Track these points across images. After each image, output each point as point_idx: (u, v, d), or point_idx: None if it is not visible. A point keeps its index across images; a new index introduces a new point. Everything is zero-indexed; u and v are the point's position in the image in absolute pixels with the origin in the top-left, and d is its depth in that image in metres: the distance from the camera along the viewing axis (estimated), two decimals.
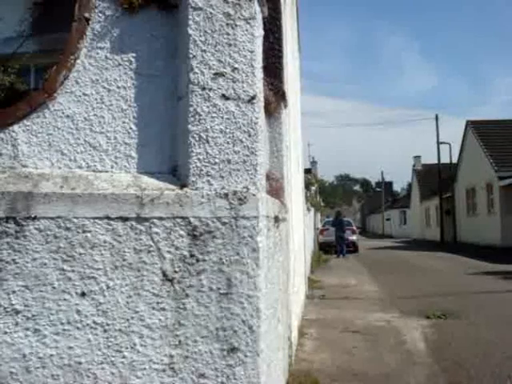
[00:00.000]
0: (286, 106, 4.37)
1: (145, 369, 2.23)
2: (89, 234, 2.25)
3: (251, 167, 2.39)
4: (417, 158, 42.76)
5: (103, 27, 2.54)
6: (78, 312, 2.21)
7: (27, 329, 2.17)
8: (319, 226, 24.30)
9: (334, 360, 4.88)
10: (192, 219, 2.30)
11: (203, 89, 2.40)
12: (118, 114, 2.50)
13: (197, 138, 2.37)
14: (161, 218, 2.29)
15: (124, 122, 2.50)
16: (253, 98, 2.42)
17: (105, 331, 2.22)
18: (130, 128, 2.50)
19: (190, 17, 2.43)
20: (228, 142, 2.38)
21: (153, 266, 2.27)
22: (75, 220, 2.25)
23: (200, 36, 2.43)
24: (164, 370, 2.22)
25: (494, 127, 24.61)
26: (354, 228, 24.71)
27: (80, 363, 2.19)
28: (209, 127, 2.38)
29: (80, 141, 2.47)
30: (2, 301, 2.17)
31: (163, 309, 2.25)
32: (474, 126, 25.32)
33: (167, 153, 2.49)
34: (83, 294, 2.20)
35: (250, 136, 2.40)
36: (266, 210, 2.56)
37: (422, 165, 41.53)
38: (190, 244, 2.29)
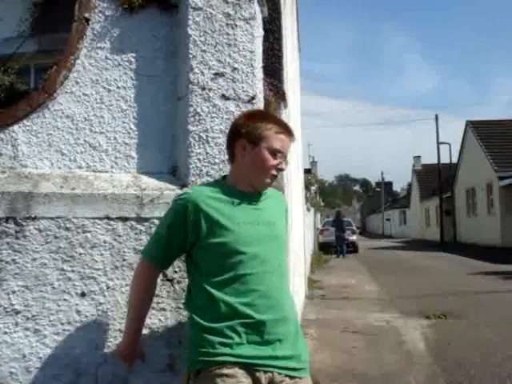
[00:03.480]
0: (285, 107, 4.37)
1: (145, 369, 2.22)
2: (89, 234, 2.25)
3: None
4: (417, 158, 42.73)
5: (103, 27, 2.54)
6: (78, 312, 2.21)
7: (27, 329, 2.17)
8: (319, 226, 24.30)
9: (333, 360, 4.89)
10: None
11: (203, 89, 2.40)
12: (118, 114, 2.50)
13: (197, 138, 2.37)
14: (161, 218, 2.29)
15: (124, 122, 2.50)
16: (253, 98, 2.42)
17: (105, 331, 2.22)
18: (130, 128, 2.50)
19: (190, 17, 2.43)
20: None
21: None
22: (75, 220, 2.25)
23: (200, 36, 2.43)
24: (164, 370, 2.22)
25: (494, 127, 24.58)
26: (354, 228, 24.70)
27: (80, 363, 2.19)
28: (209, 127, 2.38)
29: (80, 141, 2.48)
30: (1, 301, 2.17)
31: (163, 309, 2.25)
32: (473, 126, 25.31)
33: (167, 153, 2.49)
34: (83, 294, 2.20)
35: None
36: None
37: (421, 165, 41.51)
38: None
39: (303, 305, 7.49)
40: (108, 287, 2.23)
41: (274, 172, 1.85)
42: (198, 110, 2.39)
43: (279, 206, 1.99)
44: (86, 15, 2.52)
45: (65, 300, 2.20)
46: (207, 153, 2.37)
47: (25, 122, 2.45)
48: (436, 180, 30.46)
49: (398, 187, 74.27)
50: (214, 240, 1.76)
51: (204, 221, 1.77)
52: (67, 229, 2.24)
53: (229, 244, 1.76)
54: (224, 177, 1.97)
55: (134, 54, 2.54)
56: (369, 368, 4.64)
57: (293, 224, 5.29)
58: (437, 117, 31.07)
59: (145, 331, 2.23)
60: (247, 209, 1.83)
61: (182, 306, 2.25)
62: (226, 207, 1.80)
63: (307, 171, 16.62)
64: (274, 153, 1.82)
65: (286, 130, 1.88)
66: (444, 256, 19.23)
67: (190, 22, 2.43)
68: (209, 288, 1.75)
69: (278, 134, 1.84)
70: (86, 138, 2.48)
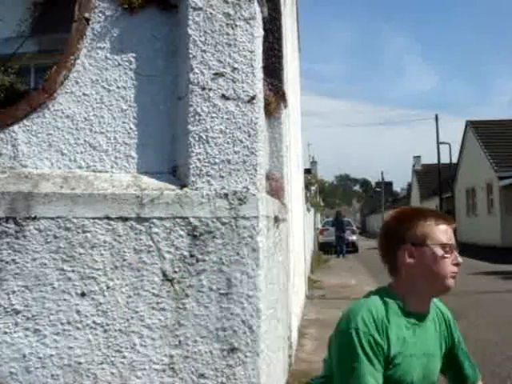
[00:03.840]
0: (285, 107, 4.37)
1: (145, 369, 2.23)
2: (89, 234, 2.25)
3: (251, 167, 2.39)
4: (417, 158, 42.76)
5: (103, 27, 2.54)
6: (78, 312, 2.21)
7: (27, 329, 2.17)
8: (319, 226, 24.31)
9: None
10: (192, 219, 2.31)
11: (203, 89, 2.40)
12: (118, 114, 2.50)
13: (197, 138, 2.37)
14: (161, 218, 2.29)
15: (124, 122, 2.50)
16: (253, 98, 2.42)
17: (105, 331, 2.22)
18: (130, 128, 2.50)
19: (190, 17, 2.43)
20: (228, 142, 2.38)
21: (153, 266, 2.27)
22: (75, 220, 2.25)
23: (200, 36, 2.43)
24: (164, 370, 2.22)
25: (494, 127, 24.59)
26: (354, 228, 24.76)
27: (80, 363, 2.19)
28: (209, 127, 2.38)
29: (80, 141, 2.48)
30: (1, 301, 2.17)
31: (163, 309, 2.25)
32: (473, 126, 25.32)
33: (167, 153, 2.49)
34: (83, 294, 2.20)
35: (249, 136, 2.40)
36: (265, 210, 2.56)
37: (421, 165, 41.53)
38: (189, 244, 2.29)
39: (303, 305, 7.49)
40: (108, 287, 2.24)
41: (453, 269, 1.65)
42: (198, 110, 2.39)
43: (440, 327, 1.85)
44: (86, 15, 2.52)
45: (65, 300, 2.20)
46: (207, 153, 2.37)
47: (25, 121, 2.45)
48: (436, 180, 30.45)
49: (397, 187, 74.42)
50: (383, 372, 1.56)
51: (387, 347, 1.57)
52: (67, 229, 2.24)
53: (394, 378, 1.59)
54: (386, 290, 1.73)
55: (134, 54, 2.54)
56: None
57: (293, 224, 5.29)
58: (437, 117, 31.07)
59: (145, 331, 2.23)
60: (414, 336, 1.65)
61: (181, 306, 2.26)
62: (399, 334, 1.60)
63: (307, 171, 16.59)
64: (444, 247, 1.63)
65: (444, 218, 1.71)
66: None
67: (190, 22, 2.43)
68: None
69: (440, 226, 1.66)
70: (86, 138, 2.48)
